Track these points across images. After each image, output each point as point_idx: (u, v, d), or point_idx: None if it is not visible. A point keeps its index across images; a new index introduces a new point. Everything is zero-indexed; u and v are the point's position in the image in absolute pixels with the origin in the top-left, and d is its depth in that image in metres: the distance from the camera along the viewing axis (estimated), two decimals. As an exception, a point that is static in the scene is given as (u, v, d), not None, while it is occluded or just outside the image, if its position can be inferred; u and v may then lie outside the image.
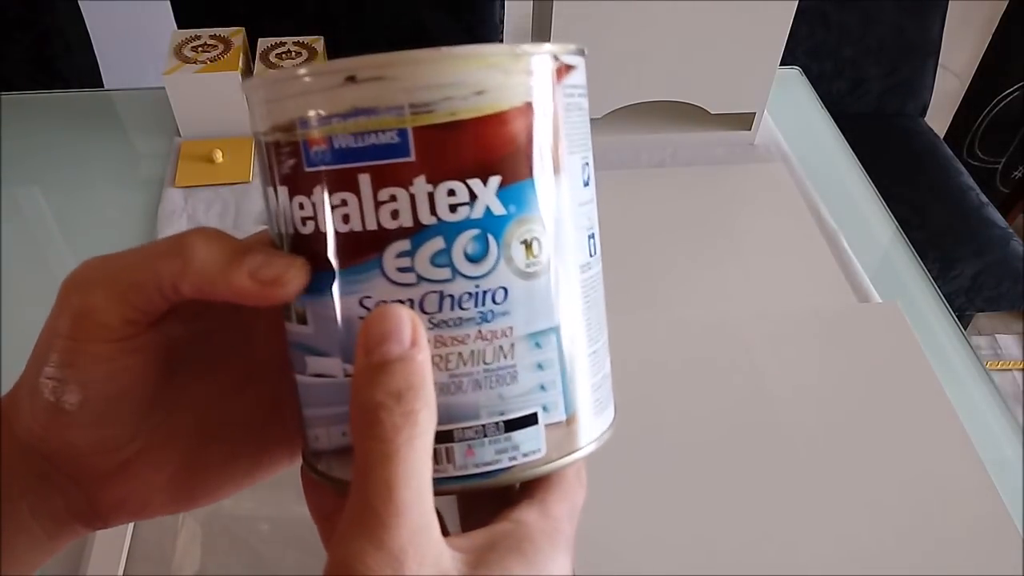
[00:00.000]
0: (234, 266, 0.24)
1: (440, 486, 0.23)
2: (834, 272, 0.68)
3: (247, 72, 0.78)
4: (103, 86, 1.10)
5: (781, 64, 0.75)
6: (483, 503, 0.25)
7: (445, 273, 0.23)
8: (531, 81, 0.23)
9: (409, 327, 0.22)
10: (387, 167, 0.22)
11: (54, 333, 0.24)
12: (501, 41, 1.13)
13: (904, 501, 0.51)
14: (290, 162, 0.23)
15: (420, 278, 0.23)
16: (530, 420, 0.24)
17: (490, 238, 0.23)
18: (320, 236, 0.23)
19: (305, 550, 0.47)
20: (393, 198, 0.22)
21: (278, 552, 0.47)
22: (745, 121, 0.80)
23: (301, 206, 0.23)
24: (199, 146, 0.77)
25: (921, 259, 0.72)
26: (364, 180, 0.22)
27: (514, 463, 0.24)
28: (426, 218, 0.22)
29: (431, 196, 0.22)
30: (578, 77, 0.25)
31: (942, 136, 1.51)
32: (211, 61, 0.76)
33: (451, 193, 0.22)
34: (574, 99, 0.25)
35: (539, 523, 0.24)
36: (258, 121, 0.24)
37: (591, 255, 0.26)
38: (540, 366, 0.24)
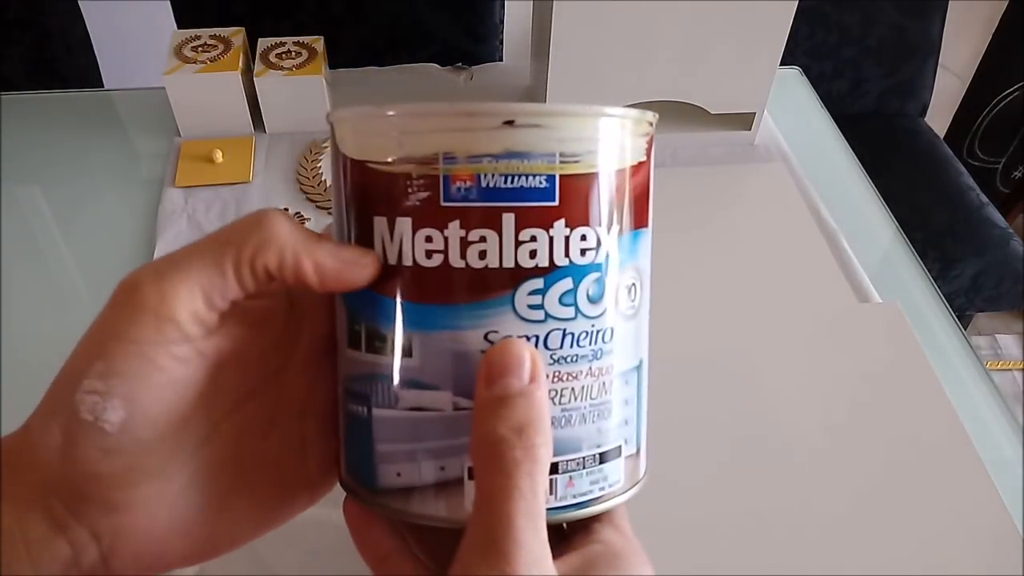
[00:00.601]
0: (315, 243, 0.24)
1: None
2: (834, 272, 0.68)
3: (247, 72, 0.78)
4: (103, 86, 1.10)
5: (781, 64, 0.75)
6: None
7: (570, 312, 0.24)
8: (645, 143, 0.26)
9: (529, 362, 0.23)
10: (533, 209, 0.23)
11: (103, 336, 0.22)
12: (500, 43, 1.13)
13: (904, 501, 0.51)
14: (422, 195, 0.24)
15: (548, 315, 0.24)
16: (616, 452, 0.26)
17: (607, 282, 0.25)
18: (449, 270, 0.24)
19: (305, 550, 0.47)
20: (534, 239, 0.23)
21: (278, 552, 0.47)
22: (745, 121, 0.80)
23: (428, 239, 0.24)
24: (199, 146, 0.77)
25: (921, 259, 0.72)
26: (508, 219, 0.23)
27: (602, 493, 0.26)
28: (560, 260, 0.24)
29: (567, 240, 0.24)
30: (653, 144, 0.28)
31: (942, 136, 1.51)
32: (211, 61, 0.76)
33: (583, 238, 0.24)
34: (654, 162, 0.27)
35: (621, 541, 0.26)
36: (375, 149, 0.24)
37: (650, 302, 0.28)
38: (627, 402, 0.26)
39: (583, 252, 0.24)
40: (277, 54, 0.79)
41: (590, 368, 0.25)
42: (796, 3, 0.70)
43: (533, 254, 0.23)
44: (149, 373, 0.22)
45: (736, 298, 0.65)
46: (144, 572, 0.24)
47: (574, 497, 0.25)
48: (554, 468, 0.24)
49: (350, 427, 0.27)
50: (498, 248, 0.23)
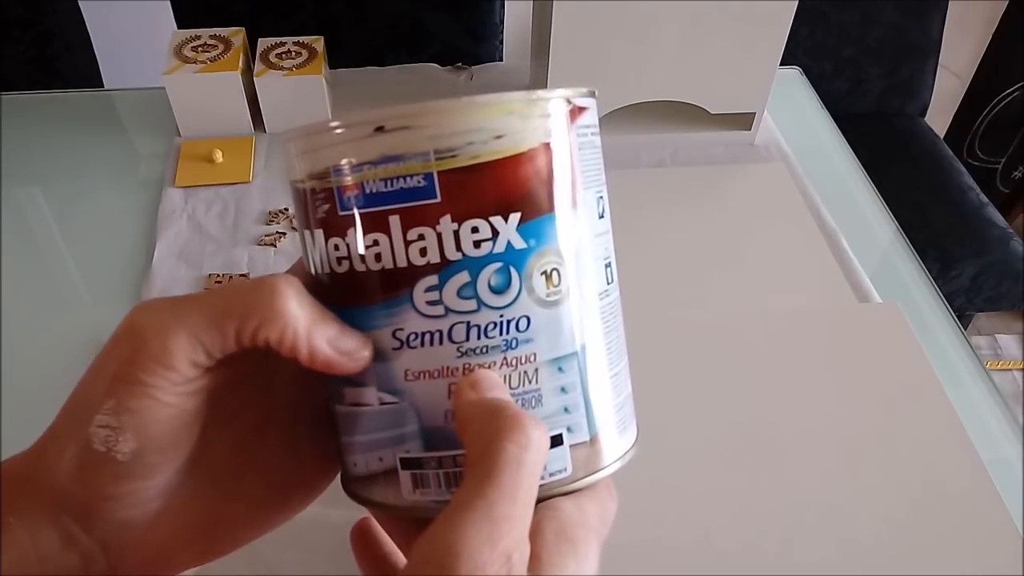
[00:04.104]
0: (317, 328, 0.24)
1: None
2: (834, 272, 0.68)
3: (247, 72, 0.78)
4: (103, 86, 1.10)
5: (781, 64, 0.75)
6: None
7: (471, 305, 0.24)
8: (546, 124, 0.25)
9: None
10: (415, 208, 0.24)
11: (111, 376, 0.23)
12: (501, 42, 1.13)
13: (904, 501, 0.51)
14: (325, 207, 0.25)
15: (448, 310, 0.24)
16: (556, 441, 0.26)
17: (512, 271, 0.24)
18: (354, 274, 0.25)
19: (306, 550, 0.47)
20: (421, 237, 0.24)
21: (278, 552, 0.47)
22: (745, 121, 0.80)
23: (336, 247, 0.25)
24: (199, 146, 0.77)
25: (921, 259, 0.72)
26: (394, 221, 0.24)
27: (542, 482, 0.25)
28: (452, 254, 0.24)
29: (456, 234, 0.24)
30: (590, 117, 0.27)
31: (942, 136, 1.51)
32: (211, 61, 0.76)
33: (475, 230, 0.24)
34: (587, 138, 0.27)
35: (575, 512, 0.25)
36: (295, 170, 0.26)
37: (608, 282, 0.28)
38: (563, 389, 0.26)
39: (477, 244, 0.24)
40: (277, 54, 0.79)
41: (505, 358, 0.25)
42: (796, 3, 0.70)
43: (423, 252, 0.24)
44: (156, 408, 0.23)
45: (736, 298, 0.65)
46: None
47: None
48: None
49: (332, 423, 0.28)
50: (390, 250, 0.24)
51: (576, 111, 0.26)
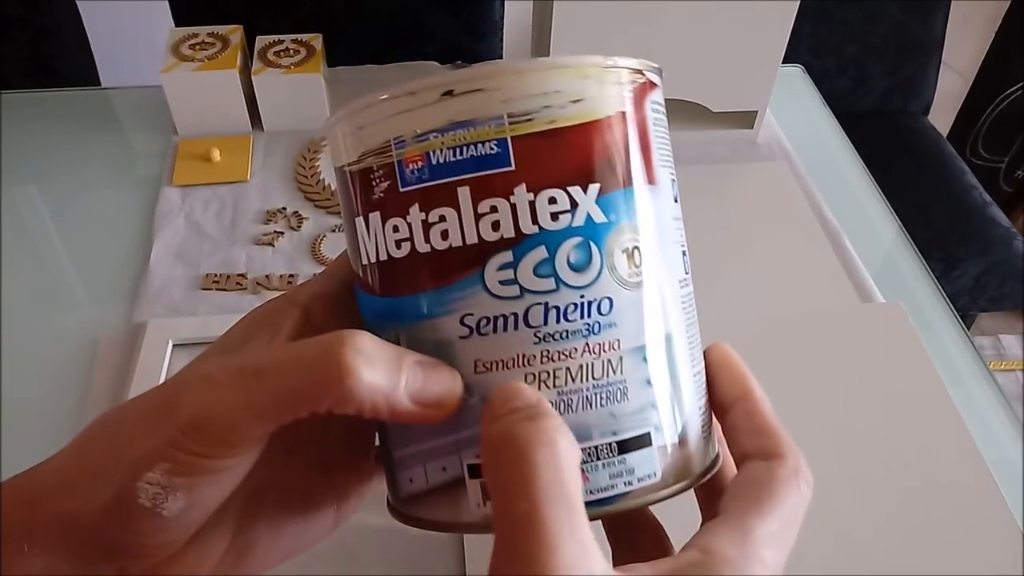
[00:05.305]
0: (396, 389, 0.21)
1: None
2: (837, 272, 0.67)
3: (245, 70, 0.78)
4: (100, 84, 1.09)
5: (783, 62, 0.74)
6: (632, 531, 0.23)
7: (549, 284, 0.22)
8: (623, 92, 0.23)
9: (534, 391, 0.21)
10: (487, 178, 0.22)
11: (170, 443, 0.22)
12: (501, 40, 1.12)
13: (907, 501, 0.50)
14: (383, 185, 0.23)
15: (524, 290, 0.22)
16: (644, 441, 0.23)
17: (593, 246, 0.22)
18: (416, 257, 0.22)
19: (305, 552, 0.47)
20: (494, 209, 0.22)
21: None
22: (747, 119, 0.79)
23: (395, 228, 0.23)
24: (196, 145, 0.77)
25: (924, 258, 0.72)
26: (464, 193, 0.22)
27: (630, 488, 0.23)
28: (528, 227, 0.22)
29: (532, 205, 0.22)
30: (660, 95, 0.25)
31: (945, 135, 1.51)
32: (209, 59, 0.76)
33: (552, 201, 0.22)
34: (659, 115, 0.25)
35: (732, 553, 0.21)
36: (346, 152, 0.24)
37: (686, 272, 0.26)
38: (649, 382, 0.23)
39: (555, 216, 0.22)
40: (275, 52, 0.78)
41: (587, 345, 0.22)
42: (798, 0, 0.70)
43: (496, 226, 0.22)
44: (213, 473, 0.22)
45: (738, 297, 0.64)
46: None
47: (591, 493, 0.22)
48: None
49: (379, 438, 0.26)
50: (459, 225, 0.22)
51: (648, 85, 0.24)
